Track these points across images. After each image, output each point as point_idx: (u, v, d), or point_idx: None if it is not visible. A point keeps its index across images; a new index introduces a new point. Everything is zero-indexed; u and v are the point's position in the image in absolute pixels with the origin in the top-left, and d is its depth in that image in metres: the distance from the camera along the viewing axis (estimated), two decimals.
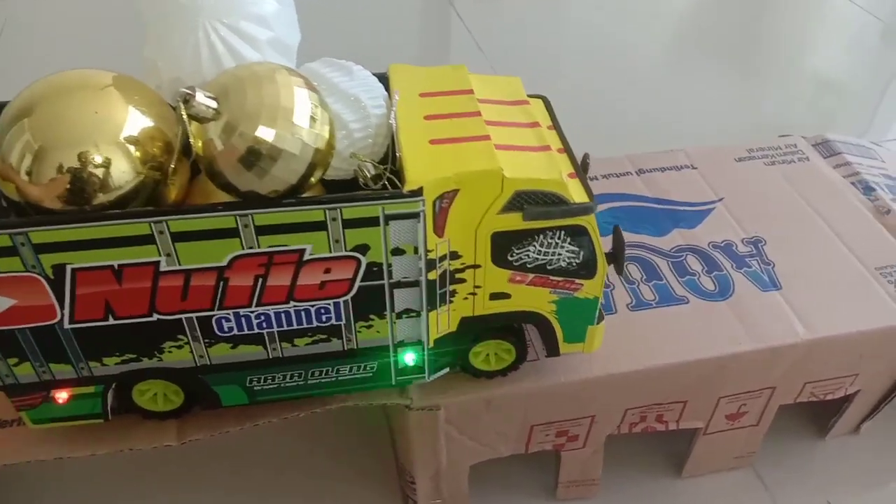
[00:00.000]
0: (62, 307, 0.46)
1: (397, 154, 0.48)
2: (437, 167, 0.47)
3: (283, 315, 0.49)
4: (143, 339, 0.49)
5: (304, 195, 0.46)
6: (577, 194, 0.50)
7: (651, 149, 0.84)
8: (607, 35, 1.50)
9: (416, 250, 0.48)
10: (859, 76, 1.44)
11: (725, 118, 1.26)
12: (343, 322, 0.51)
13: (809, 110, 1.34)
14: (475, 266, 0.51)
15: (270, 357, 0.52)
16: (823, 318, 0.65)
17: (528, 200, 0.49)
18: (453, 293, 0.52)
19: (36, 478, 0.72)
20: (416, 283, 0.50)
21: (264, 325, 0.50)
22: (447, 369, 0.57)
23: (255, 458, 0.75)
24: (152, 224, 0.44)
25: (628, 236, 0.71)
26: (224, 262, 0.46)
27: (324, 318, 0.50)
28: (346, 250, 0.47)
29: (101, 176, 0.43)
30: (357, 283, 0.49)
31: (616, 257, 0.54)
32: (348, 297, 0.49)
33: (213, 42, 0.47)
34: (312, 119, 0.44)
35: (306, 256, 0.47)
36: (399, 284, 0.50)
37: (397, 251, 0.48)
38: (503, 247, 0.50)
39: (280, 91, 0.43)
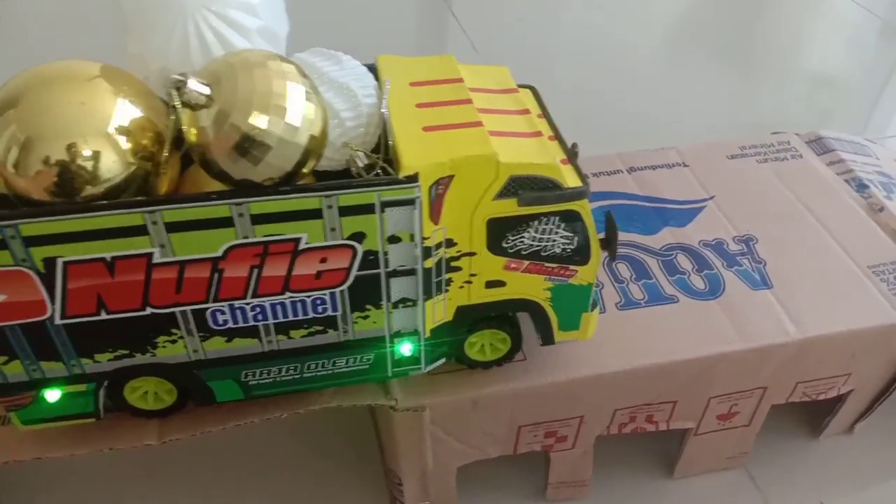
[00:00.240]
0: (53, 302, 0.46)
1: (390, 142, 0.48)
2: (431, 153, 0.47)
3: (278, 306, 0.49)
4: (137, 334, 0.48)
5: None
6: (570, 179, 0.50)
7: (648, 148, 0.84)
8: (604, 34, 1.49)
9: (412, 238, 0.48)
10: (857, 73, 1.45)
11: (722, 116, 1.25)
12: (339, 313, 0.50)
13: (807, 108, 1.34)
14: (470, 254, 0.51)
15: (266, 350, 0.51)
16: (815, 316, 0.65)
17: (523, 185, 0.49)
18: (449, 282, 0.52)
19: (34, 478, 0.71)
20: (412, 272, 0.50)
21: (260, 317, 0.49)
22: (443, 359, 0.57)
23: (241, 460, 0.74)
24: (146, 214, 0.43)
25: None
26: (219, 253, 0.45)
27: (320, 308, 0.50)
28: (342, 239, 0.47)
29: (89, 168, 0.42)
30: (353, 273, 0.48)
31: (609, 243, 0.54)
32: (344, 286, 0.49)
33: (202, 30, 0.46)
34: (307, 105, 0.44)
35: (302, 246, 0.46)
36: (395, 273, 0.49)
37: (394, 239, 0.48)
38: (498, 233, 0.50)
39: (272, 77, 0.43)
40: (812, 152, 0.85)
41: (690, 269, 0.69)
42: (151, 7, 0.48)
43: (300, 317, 0.50)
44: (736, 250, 0.71)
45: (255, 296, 0.48)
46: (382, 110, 0.49)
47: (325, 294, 0.49)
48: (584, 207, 0.51)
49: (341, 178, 0.49)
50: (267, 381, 0.53)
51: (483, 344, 0.57)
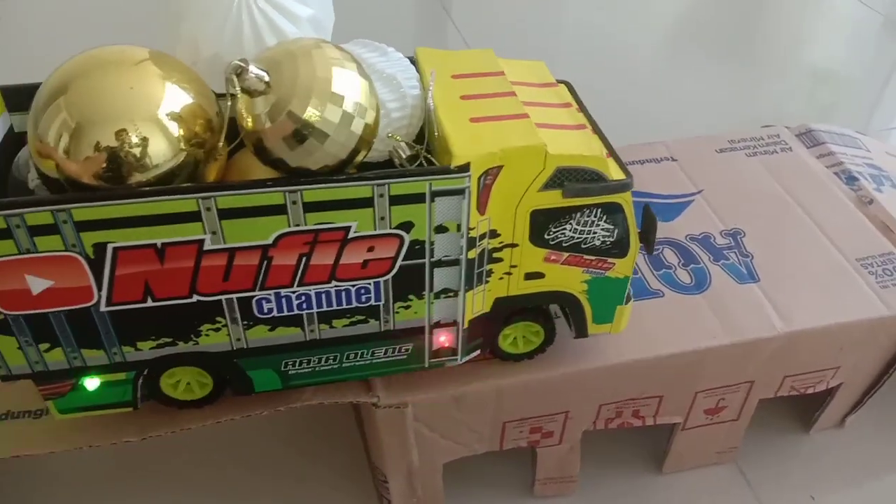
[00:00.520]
0: (100, 289, 0.45)
1: (436, 133, 0.48)
2: (481, 143, 0.47)
3: (323, 295, 0.49)
4: (181, 322, 0.48)
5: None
6: (614, 172, 0.51)
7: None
8: (604, 34, 1.49)
9: (458, 228, 0.48)
10: (858, 69, 1.45)
11: (723, 115, 1.25)
12: (382, 302, 0.50)
13: (810, 105, 1.34)
14: (513, 245, 0.51)
15: (308, 339, 0.51)
16: (802, 310, 0.64)
17: (569, 177, 0.49)
18: (490, 273, 0.52)
19: (27, 477, 0.70)
20: (456, 262, 0.50)
21: (304, 306, 0.49)
22: (478, 352, 0.57)
23: (228, 459, 0.72)
24: (200, 200, 0.43)
25: None
26: (269, 241, 0.45)
27: (363, 298, 0.50)
28: (390, 228, 0.47)
29: (138, 154, 0.42)
30: (399, 262, 0.48)
31: (647, 236, 0.54)
32: (389, 276, 0.49)
33: (255, 17, 0.46)
34: (362, 94, 0.44)
35: (351, 234, 0.46)
36: (440, 263, 0.49)
37: (441, 229, 0.48)
38: (541, 225, 0.51)
39: (330, 65, 0.43)
40: (802, 145, 0.84)
41: (676, 264, 0.68)
42: None
43: (343, 306, 0.50)
44: (723, 244, 0.71)
45: (301, 284, 0.48)
46: (428, 101, 0.49)
47: (369, 283, 0.49)
48: (627, 200, 0.51)
49: (384, 168, 0.49)
50: (306, 370, 0.53)
51: (516, 336, 0.58)
